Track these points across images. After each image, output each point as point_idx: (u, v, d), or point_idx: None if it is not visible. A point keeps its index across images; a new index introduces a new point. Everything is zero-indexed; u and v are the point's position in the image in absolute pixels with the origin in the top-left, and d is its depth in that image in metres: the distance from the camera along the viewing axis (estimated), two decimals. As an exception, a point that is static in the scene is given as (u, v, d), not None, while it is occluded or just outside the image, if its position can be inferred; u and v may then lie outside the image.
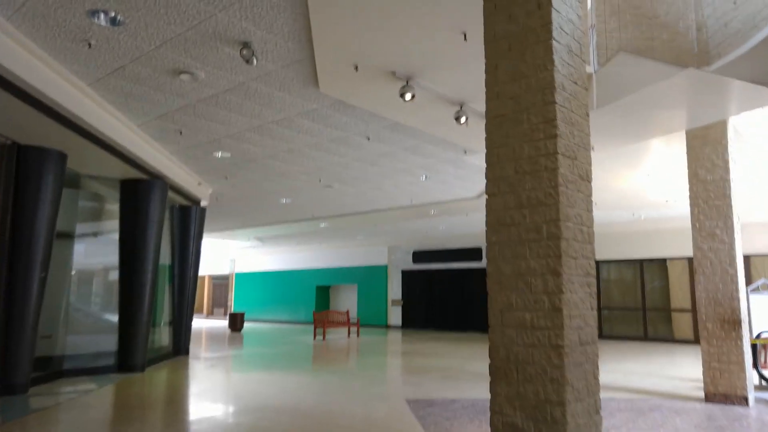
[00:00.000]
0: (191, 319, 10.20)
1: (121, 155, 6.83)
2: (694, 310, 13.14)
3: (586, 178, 2.79)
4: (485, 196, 2.85)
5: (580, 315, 2.59)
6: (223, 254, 24.63)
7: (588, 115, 2.89)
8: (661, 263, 13.75)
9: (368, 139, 7.06)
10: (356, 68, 4.79)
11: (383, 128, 6.65)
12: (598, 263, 14.43)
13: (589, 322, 2.66)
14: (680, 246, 13.40)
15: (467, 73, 4.92)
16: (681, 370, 8.46)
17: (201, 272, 27.00)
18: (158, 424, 4.68)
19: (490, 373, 2.72)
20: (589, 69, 4.91)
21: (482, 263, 17.48)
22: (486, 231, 2.82)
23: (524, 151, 2.71)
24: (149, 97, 5.71)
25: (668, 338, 13.38)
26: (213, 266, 26.15)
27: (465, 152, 7.72)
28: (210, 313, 26.76)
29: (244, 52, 4.48)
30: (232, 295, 25.30)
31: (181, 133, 6.93)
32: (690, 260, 13.34)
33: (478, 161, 8.23)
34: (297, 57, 4.70)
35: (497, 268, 2.74)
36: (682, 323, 13.33)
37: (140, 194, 7.92)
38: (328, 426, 4.64)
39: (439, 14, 3.92)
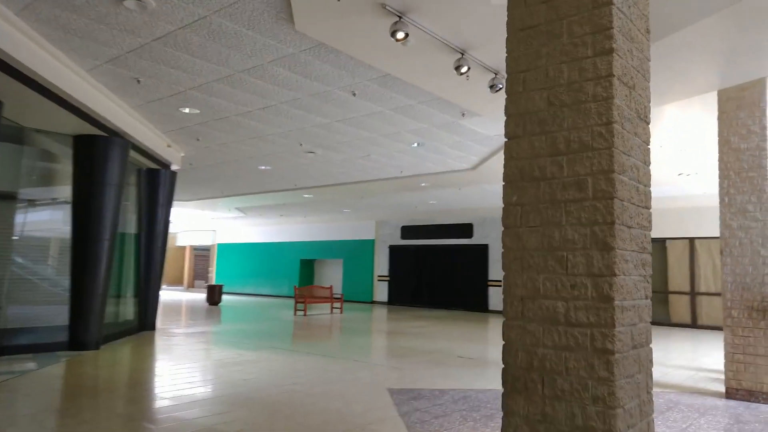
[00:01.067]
0: (158, 292, 9.42)
1: (69, 106, 5.93)
2: (693, 292, 12.61)
3: (645, 118, 2.02)
4: (500, 149, 2.09)
5: (634, 307, 1.84)
6: (205, 224, 23.76)
7: (649, 31, 2.10)
8: (661, 244, 13.15)
9: (354, 94, 6.22)
10: (338, -2, 3.95)
11: (371, 81, 5.81)
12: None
13: (644, 316, 1.92)
14: (681, 227, 12.81)
15: (473, 8, 4.09)
16: (685, 357, 7.87)
17: (182, 243, 26.23)
18: (87, 418, 3.93)
19: (504, 383, 1.98)
20: None
21: (473, 240, 16.84)
22: (504, 188, 2.05)
23: (563, 75, 1.92)
24: (93, 32, 4.81)
25: (665, 322, 12.86)
26: (194, 237, 25.29)
27: (463, 114, 6.91)
28: (191, 286, 25.96)
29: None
30: (213, 268, 24.51)
31: (138, 81, 6.03)
32: (691, 241, 12.77)
33: (477, 126, 7.42)
34: (266, -20, 3.84)
35: (518, 240, 1.98)
36: (680, 307, 12.80)
37: (96, 153, 7.03)
38: (295, 427, 3.91)
39: None
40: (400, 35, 4.22)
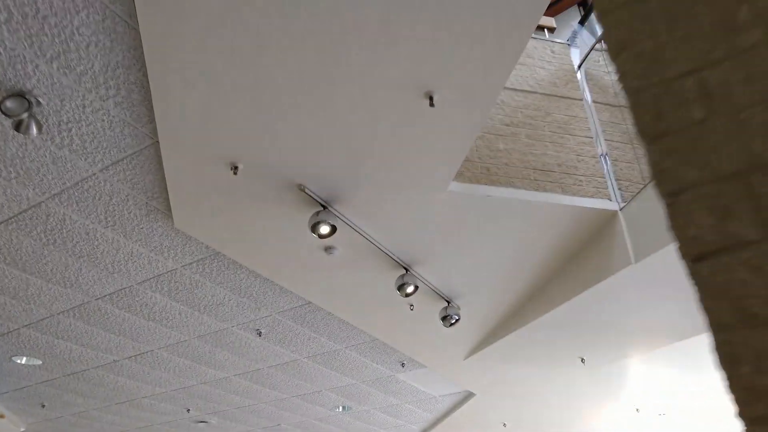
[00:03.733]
0: None
1: None
2: None
3: None
4: None
5: None
6: None
7: None
8: None
9: (259, 334, 4.65)
10: (235, 171, 2.75)
11: (284, 315, 4.34)
12: None
13: None
14: None
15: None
16: None
17: None
18: None
19: None
20: (612, 205, 3.16)
21: None
22: None
23: None
24: None
25: None
26: None
27: (403, 365, 5.37)
28: None
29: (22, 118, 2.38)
30: None
31: (-54, 313, 4.24)
32: None
33: (419, 383, 5.83)
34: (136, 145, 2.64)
35: None
36: None
37: None
38: None
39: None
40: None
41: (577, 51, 3.90)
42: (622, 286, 3.20)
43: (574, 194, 3.11)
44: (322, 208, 2.94)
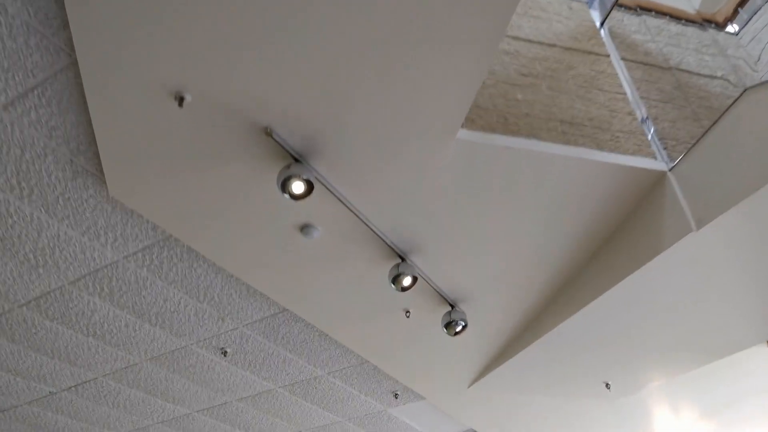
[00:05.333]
0: None
1: None
2: None
3: None
4: None
5: None
6: None
7: None
8: None
9: (225, 354, 3.86)
10: (180, 102, 2.10)
11: (254, 328, 3.59)
12: None
13: None
14: None
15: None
16: None
17: None
18: None
19: None
20: (658, 165, 2.54)
21: None
22: None
23: None
24: None
25: None
26: None
27: (396, 396, 4.56)
28: None
29: None
30: None
31: None
32: None
33: (413, 420, 5.00)
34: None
35: None
36: None
37: None
38: None
39: None
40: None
41: (596, 13, 3.41)
42: (678, 263, 2.53)
43: (611, 151, 2.50)
44: (294, 161, 2.28)
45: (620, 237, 2.82)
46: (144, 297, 3.25)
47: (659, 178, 2.50)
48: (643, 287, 2.75)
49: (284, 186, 2.23)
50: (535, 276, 3.18)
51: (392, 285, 2.85)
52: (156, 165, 2.36)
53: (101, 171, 2.44)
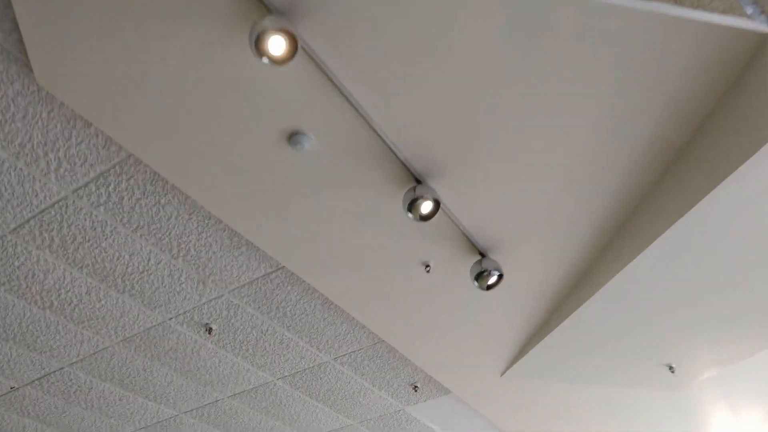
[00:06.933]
0: None
1: None
2: None
3: None
4: None
5: None
6: None
7: None
8: None
9: (209, 331, 3.22)
10: None
11: (240, 292, 2.97)
12: None
13: None
14: None
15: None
16: None
17: None
18: None
19: None
20: (758, 25, 1.92)
21: None
22: None
23: None
24: None
25: None
26: None
27: (415, 389, 3.86)
28: None
29: None
30: None
31: None
32: None
33: (433, 419, 4.26)
34: None
35: None
36: None
37: None
38: None
39: None
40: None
41: None
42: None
43: (693, 7, 1.89)
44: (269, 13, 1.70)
45: (706, 140, 2.18)
46: (105, 250, 2.66)
47: (761, 43, 1.88)
48: (739, 200, 2.09)
49: (258, 43, 1.65)
50: (588, 214, 2.54)
51: (408, 213, 2.23)
52: (86, 42, 1.80)
53: (25, 52, 1.89)
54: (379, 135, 2.11)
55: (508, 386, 3.76)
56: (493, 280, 2.57)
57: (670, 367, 3.48)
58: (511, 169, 2.30)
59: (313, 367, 3.59)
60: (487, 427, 4.30)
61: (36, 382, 3.60)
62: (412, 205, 2.21)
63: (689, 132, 2.15)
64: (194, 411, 4.00)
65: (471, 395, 3.85)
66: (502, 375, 3.65)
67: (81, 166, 2.27)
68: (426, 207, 2.20)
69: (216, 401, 3.90)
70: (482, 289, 2.59)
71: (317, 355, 3.48)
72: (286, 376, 3.67)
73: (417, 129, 2.11)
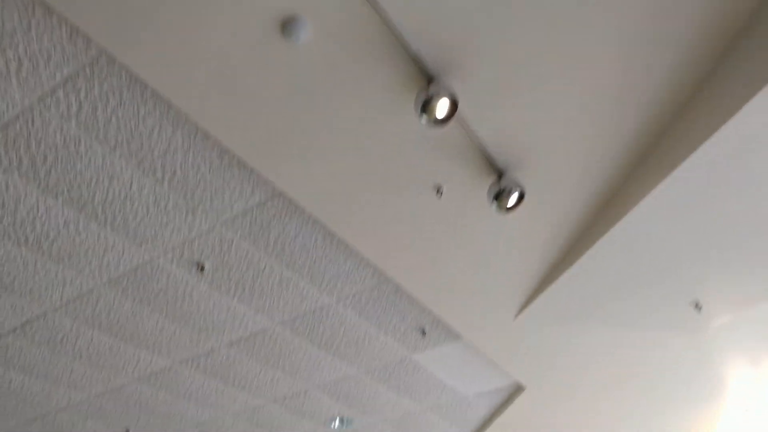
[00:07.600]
0: None
1: None
2: None
3: None
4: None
5: None
6: None
7: None
8: None
9: (201, 269, 2.97)
10: None
11: (233, 224, 2.71)
12: None
13: None
14: None
15: None
16: None
17: None
18: None
19: None
20: None
21: None
22: None
23: None
24: None
25: None
26: None
27: (423, 333, 3.64)
28: None
29: None
30: None
31: None
32: None
33: (441, 368, 4.05)
34: None
35: None
36: None
37: None
38: None
39: None
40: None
41: None
42: None
43: None
44: None
45: (741, 53, 1.90)
46: (81, 173, 2.38)
47: None
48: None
49: None
50: (615, 132, 2.26)
51: (422, 115, 1.95)
52: None
53: None
54: (385, 23, 1.82)
55: (522, 330, 3.55)
56: (513, 199, 2.31)
57: (697, 305, 3.26)
58: (536, 73, 2.02)
59: (314, 310, 3.36)
60: (500, 376, 4.10)
61: (18, 329, 3.36)
62: (426, 106, 1.93)
63: (724, 42, 1.86)
64: (190, 361, 3.79)
65: (482, 340, 3.64)
66: (515, 317, 3.43)
67: (45, 67, 1.98)
68: (442, 106, 1.93)
69: (211, 351, 3.69)
70: (501, 211, 2.34)
71: (319, 297, 3.25)
72: (286, 321, 3.44)
73: (431, 15, 1.81)
